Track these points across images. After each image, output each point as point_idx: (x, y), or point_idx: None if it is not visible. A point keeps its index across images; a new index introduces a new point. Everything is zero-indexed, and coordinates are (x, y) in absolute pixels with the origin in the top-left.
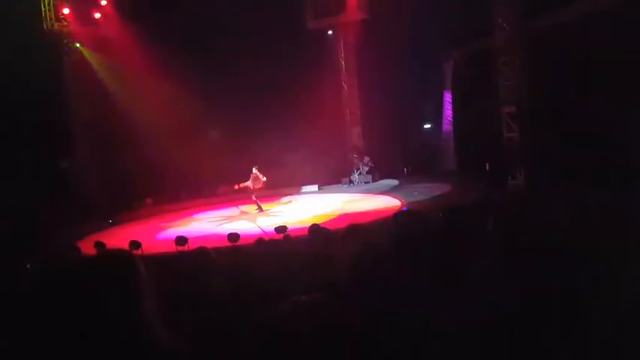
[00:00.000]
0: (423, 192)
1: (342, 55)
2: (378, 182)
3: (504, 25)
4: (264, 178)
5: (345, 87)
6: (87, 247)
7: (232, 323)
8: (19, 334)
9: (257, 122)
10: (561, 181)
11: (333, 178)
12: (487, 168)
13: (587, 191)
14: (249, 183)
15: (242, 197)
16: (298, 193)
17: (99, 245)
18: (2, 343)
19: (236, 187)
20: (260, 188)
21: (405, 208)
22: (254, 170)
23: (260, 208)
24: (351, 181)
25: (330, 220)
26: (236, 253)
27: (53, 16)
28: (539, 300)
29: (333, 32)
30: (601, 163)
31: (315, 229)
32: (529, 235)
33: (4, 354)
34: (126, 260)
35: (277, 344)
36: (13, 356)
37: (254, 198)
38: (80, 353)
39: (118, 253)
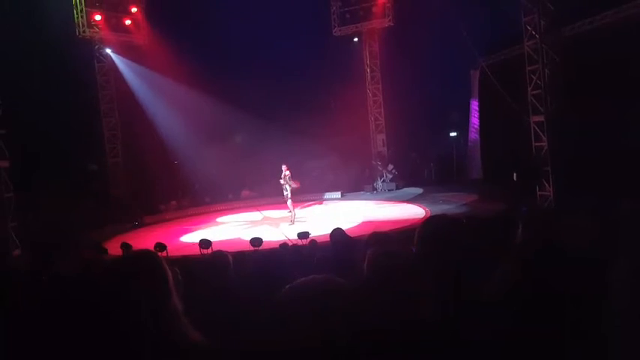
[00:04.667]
0: (448, 201)
1: (368, 63)
2: (402, 190)
3: (533, 33)
4: (290, 183)
5: (370, 94)
6: (114, 248)
7: (245, 317)
8: (47, 333)
9: (282, 129)
10: (591, 192)
11: (356, 185)
12: (514, 178)
13: (617, 203)
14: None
15: (265, 203)
16: (321, 199)
17: (125, 246)
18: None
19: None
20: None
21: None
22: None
23: (292, 219)
24: (374, 189)
25: (353, 227)
26: (258, 256)
27: (85, 23)
28: (562, 315)
29: (358, 40)
30: (632, 173)
31: (336, 232)
32: (556, 248)
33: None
34: (151, 260)
35: (280, 329)
36: (43, 353)
37: (290, 207)
38: (109, 351)
39: (144, 253)
